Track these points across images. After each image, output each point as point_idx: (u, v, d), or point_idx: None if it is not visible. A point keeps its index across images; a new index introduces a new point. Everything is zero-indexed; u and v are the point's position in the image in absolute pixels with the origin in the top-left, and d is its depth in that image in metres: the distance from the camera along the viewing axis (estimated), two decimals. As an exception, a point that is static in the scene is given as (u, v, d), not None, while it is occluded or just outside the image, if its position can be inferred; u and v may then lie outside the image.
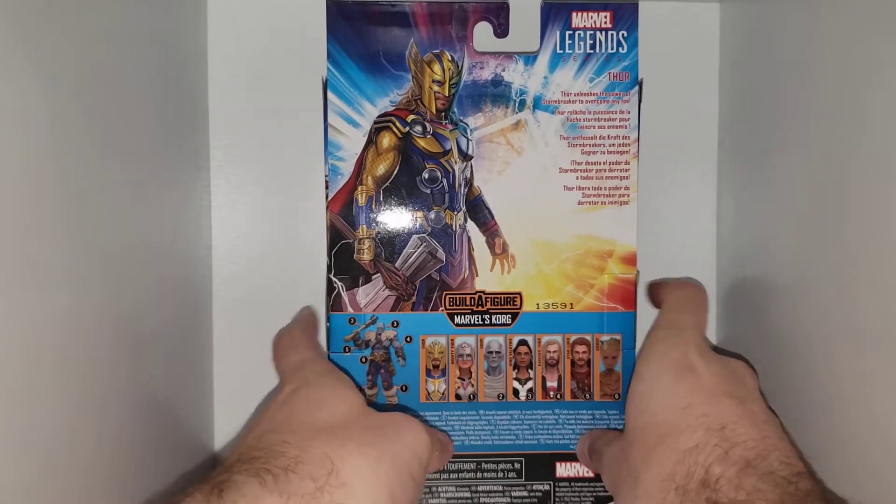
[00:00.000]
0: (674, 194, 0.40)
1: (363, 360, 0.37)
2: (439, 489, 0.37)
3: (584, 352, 0.37)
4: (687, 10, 0.39)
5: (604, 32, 0.37)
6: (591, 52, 0.37)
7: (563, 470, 0.37)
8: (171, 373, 0.33)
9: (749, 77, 0.36)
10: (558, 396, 0.37)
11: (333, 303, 0.36)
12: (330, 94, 0.36)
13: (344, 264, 0.36)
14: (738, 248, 0.37)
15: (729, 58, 0.38)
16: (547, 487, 0.37)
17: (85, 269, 0.25)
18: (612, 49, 0.37)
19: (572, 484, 0.37)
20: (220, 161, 0.38)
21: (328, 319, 0.37)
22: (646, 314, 0.39)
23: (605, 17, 0.37)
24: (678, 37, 0.39)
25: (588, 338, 0.37)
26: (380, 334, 0.37)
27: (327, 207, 0.36)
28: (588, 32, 0.37)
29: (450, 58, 0.36)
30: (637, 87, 0.37)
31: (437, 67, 0.36)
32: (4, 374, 0.20)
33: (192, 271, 0.36)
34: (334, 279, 0.36)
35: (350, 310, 0.36)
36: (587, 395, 0.37)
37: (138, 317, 0.30)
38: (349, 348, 0.37)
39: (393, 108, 0.36)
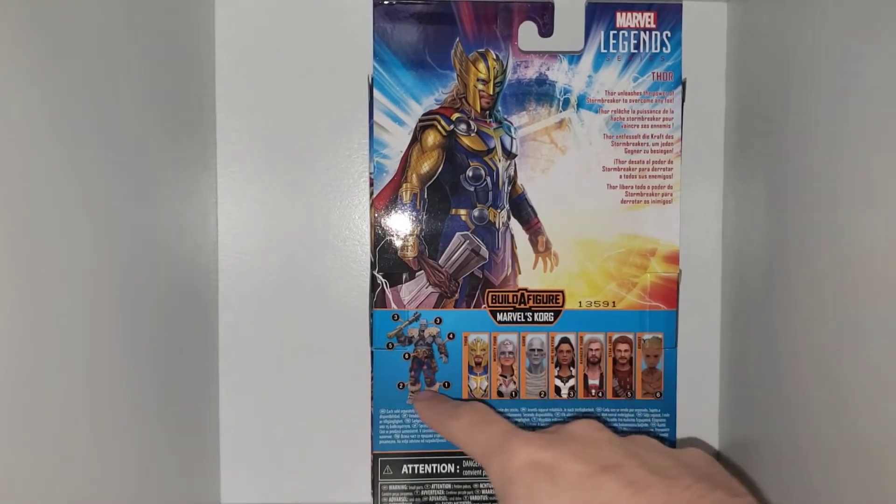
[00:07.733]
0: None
1: (406, 356, 0.37)
2: (481, 486, 0.37)
3: (626, 350, 0.37)
4: (694, 9, 0.38)
5: (648, 32, 0.37)
6: (636, 51, 0.37)
7: (605, 468, 0.37)
8: (177, 370, 0.33)
9: (756, 77, 0.36)
10: (600, 395, 0.37)
11: (377, 299, 0.37)
12: (376, 93, 0.36)
13: (388, 261, 0.37)
14: (740, 249, 0.37)
15: (736, 57, 0.38)
16: (588, 485, 0.37)
17: (90, 267, 0.25)
18: (656, 49, 0.37)
19: (615, 482, 0.37)
20: (226, 158, 0.39)
21: (371, 316, 0.37)
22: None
23: (650, 17, 0.37)
24: (685, 36, 0.37)
25: (630, 336, 0.37)
26: (423, 331, 0.37)
27: (371, 204, 0.37)
28: (632, 32, 0.37)
29: (495, 57, 0.37)
30: (680, 87, 0.37)
31: (482, 66, 0.37)
32: (9, 373, 0.20)
33: (198, 268, 0.36)
34: (378, 276, 0.37)
35: (393, 306, 0.37)
36: (629, 393, 0.37)
37: (143, 313, 0.29)
38: (392, 344, 0.37)
39: (438, 106, 0.37)
